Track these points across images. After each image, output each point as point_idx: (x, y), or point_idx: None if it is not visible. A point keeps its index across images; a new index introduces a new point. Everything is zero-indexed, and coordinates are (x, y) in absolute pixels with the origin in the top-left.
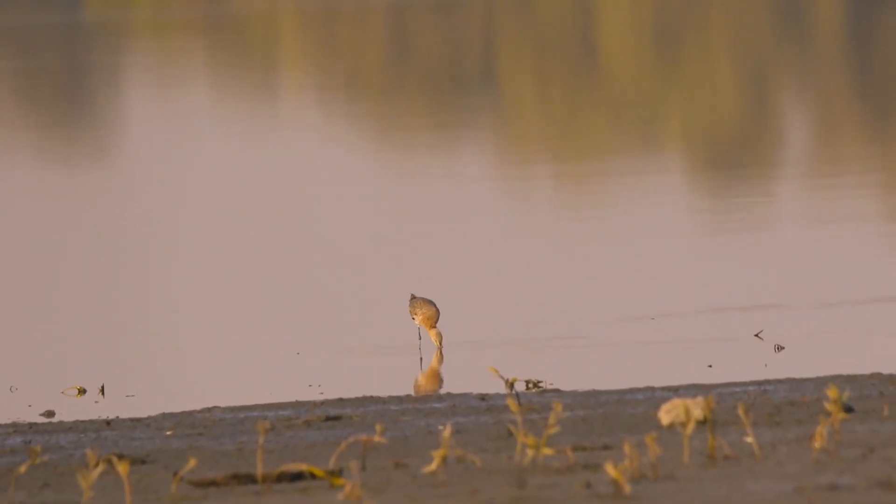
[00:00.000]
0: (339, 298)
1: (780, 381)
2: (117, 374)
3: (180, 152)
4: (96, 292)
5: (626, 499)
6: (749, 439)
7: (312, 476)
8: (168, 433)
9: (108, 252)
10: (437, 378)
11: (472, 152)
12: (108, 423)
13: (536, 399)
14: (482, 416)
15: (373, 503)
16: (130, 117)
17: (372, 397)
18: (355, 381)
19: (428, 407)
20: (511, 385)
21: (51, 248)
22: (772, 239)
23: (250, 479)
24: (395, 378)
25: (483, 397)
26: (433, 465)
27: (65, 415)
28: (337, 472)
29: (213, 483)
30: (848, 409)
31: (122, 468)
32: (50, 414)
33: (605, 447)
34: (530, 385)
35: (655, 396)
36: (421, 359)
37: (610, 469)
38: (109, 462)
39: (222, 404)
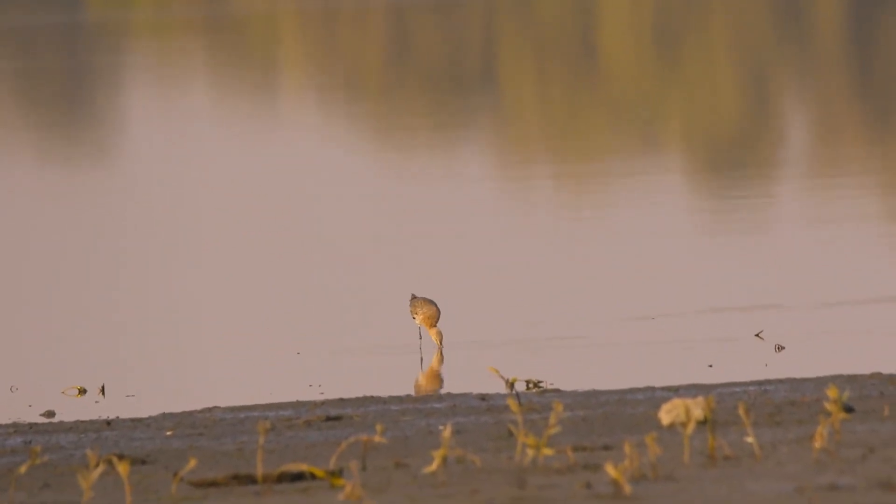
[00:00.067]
0: (339, 298)
1: (780, 381)
2: (117, 374)
3: (180, 152)
4: (96, 292)
5: (626, 499)
6: (749, 439)
7: (313, 476)
8: (168, 433)
9: (108, 252)
10: (438, 378)
11: (473, 152)
12: (108, 423)
13: (537, 399)
14: (482, 416)
15: (373, 503)
16: (130, 117)
17: (372, 397)
18: (356, 381)
19: (428, 407)
20: (511, 385)
21: (51, 248)
22: (772, 239)
23: (251, 479)
24: (396, 378)
25: (483, 397)
26: (433, 466)
27: (65, 415)
28: (337, 473)
29: (213, 483)
30: (848, 410)
31: (122, 468)
32: (50, 414)
33: (606, 447)
34: (530, 385)
35: (656, 396)
36: (421, 359)
37: (610, 469)
38: (110, 462)
39: (223, 404)
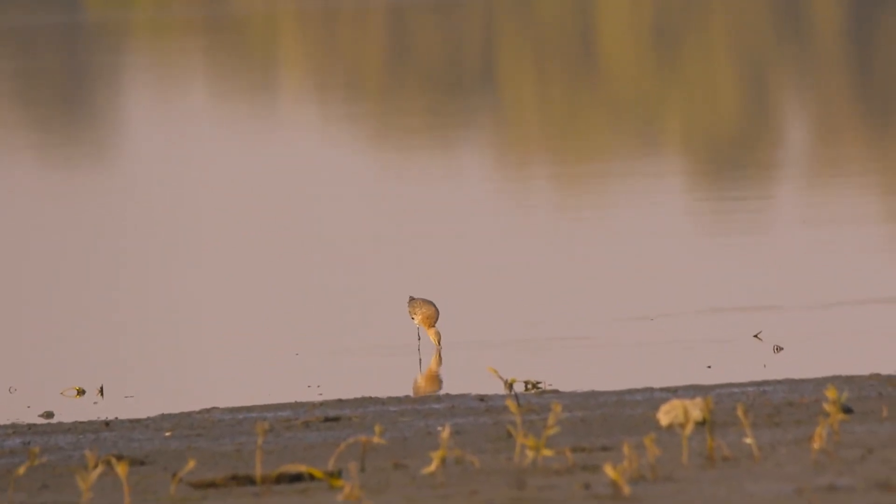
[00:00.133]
0: (338, 299)
1: (779, 382)
2: (116, 374)
3: (180, 152)
4: (96, 293)
5: (624, 500)
6: (748, 440)
7: (311, 477)
8: (167, 434)
9: (108, 252)
10: (437, 379)
11: (472, 153)
12: (107, 424)
13: (535, 400)
14: (481, 416)
15: None
16: (130, 117)
17: (371, 398)
18: (354, 381)
19: (427, 408)
20: (510, 386)
21: (51, 248)
22: (771, 240)
23: (249, 480)
24: (395, 379)
25: (482, 398)
26: (432, 466)
27: (64, 416)
28: (336, 474)
29: (212, 484)
30: (847, 410)
31: (121, 469)
32: (49, 415)
33: (604, 448)
34: (529, 386)
35: (654, 397)
36: (420, 360)
37: (609, 470)
38: (108, 463)
39: (221, 405)
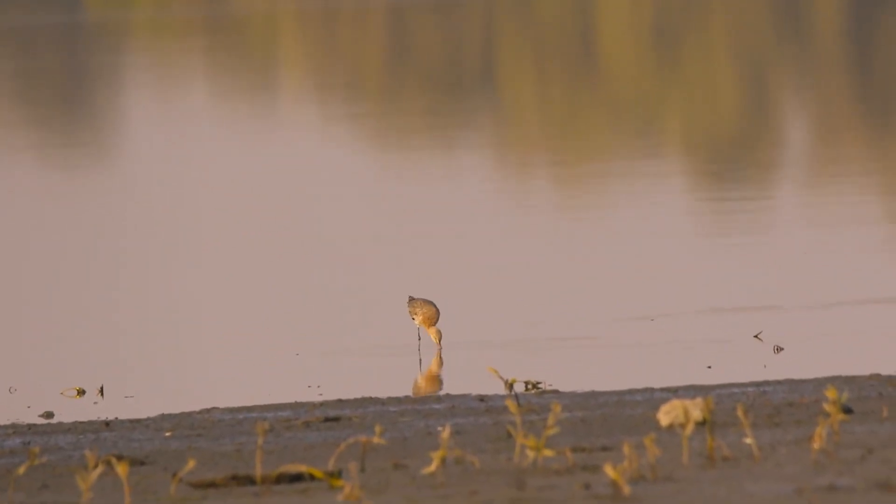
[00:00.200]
0: (338, 299)
1: (779, 383)
2: (116, 374)
3: (180, 152)
4: (96, 293)
5: (625, 500)
6: (748, 440)
7: (311, 477)
8: (167, 434)
9: (108, 252)
10: (437, 379)
11: (472, 153)
12: (107, 424)
13: (535, 400)
14: (481, 417)
15: None
16: (130, 117)
17: (371, 398)
18: (354, 382)
19: (427, 408)
20: (510, 386)
21: (50, 248)
22: (771, 240)
23: (249, 480)
24: (395, 379)
25: (482, 398)
26: (432, 467)
27: (64, 416)
28: (336, 474)
29: (212, 484)
30: (847, 411)
31: (121, 469)
32: (49, 415)
33: (604, 448)
34: (529, 386)
35: (654, 397)
36: (420, 360)
37: (609, 470)
38: (108, 463)
39: (221, 405)
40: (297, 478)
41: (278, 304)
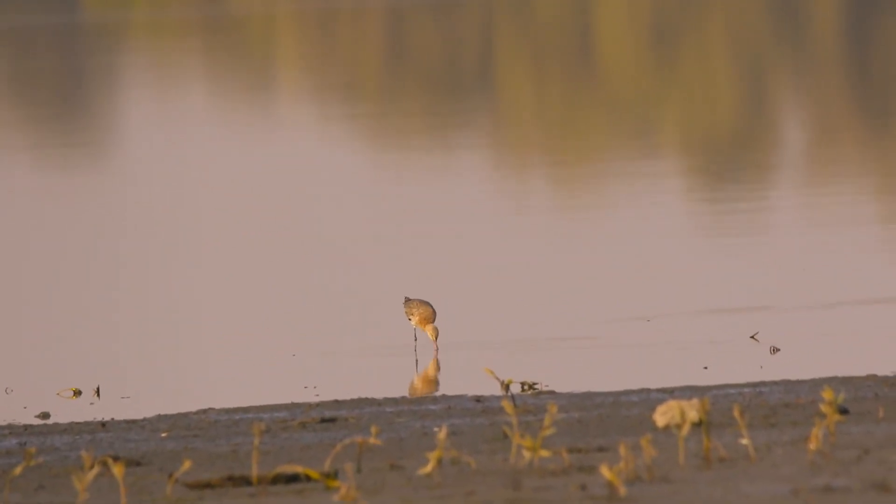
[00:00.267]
0: (335, 299)
1: (775, 383)
2: (113, 375)
3: (178, 153)
4: (92, 294)
5: (621, 501)
6: (744, 441)
7: (308, 478)
8: (163, 435)
9: (105, 253)
10: (433, 380)
11: (470, 153)
12: (103, 424)
13: (532, 401)
14: (477, 417)
15: None
16: (129, 118)
17: (367, 399)
18: (351, 382)
19: (423, 409)
20: (506, 387)
21: (47, 249)
22: (768, 241)
23: (245, 480)
24: (391, 380)
25: (478, 399)
26: (428, 467)
27: (60, 416)
28: (332, 474)
29: (208, 485)
30: (843, 411)
31: (117, 470)
32: (45, 416)
33: (601, 449)
34: (525, 387)
35: (651, 398)
36: (417, 361)
37: (605, 471)
38: (105, 464)
39: (217, 406)
40: (294, 478)
41: (275, 304)
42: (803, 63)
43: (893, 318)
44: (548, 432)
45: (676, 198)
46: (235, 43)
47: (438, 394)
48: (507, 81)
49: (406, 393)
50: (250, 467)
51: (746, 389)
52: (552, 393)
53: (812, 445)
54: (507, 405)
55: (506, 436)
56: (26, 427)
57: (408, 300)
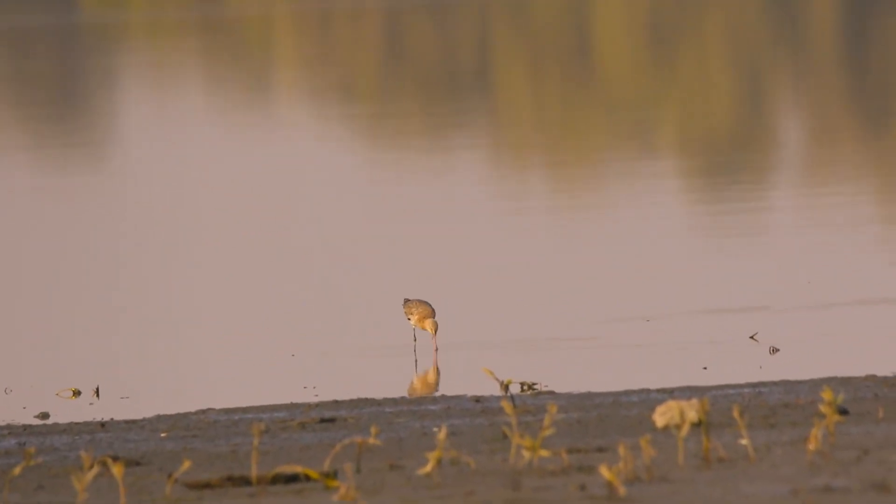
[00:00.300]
0: (334, 300)
1: (774, 384)
2: (112, 375)
3: (176, 153)
4: (92, 294)
5: (620, 501)
6: (744, 441)
7: (307, 478)
8: (163, 435)
9: (104, 253)
10: (432, 380)
11: (469, 154)
12: (102, 424)
13: (531, 401)
14: (477, 418)
15: None
16: (127, 118)
17: (367, 399)
18: (350, 382)
19: (423, 409)
20: (506, 387)
21: (46, 249)
22: (767, 241)
23: (245, 480)
24: (390, 380)
25: (478, 399)
26: (428, 467)
27: (59, 416)
28: (332, 474)
29: (207, 485)
30: (842, 412)
31: (116, 470)
32: (44, 416)
33: (600, 449)
34: (525, 387)
35: (650, 398)
36: (416, 361)
37: (604, 471)
38: (104, 464)
39: (217, 406)
40: (293, 479)
41: (274, 304)
42: (802, 63)
43: (893, 319)
44: (547, 432)
45: (675, 198)
46: (233, 43)
47: (438, 394)
48: (506, 82)
49: (405, 393)
50: (250, 467)
51: (746, 390)
52: (551, 393)
53: (811, 446)
54: (506, 405)
55: (505, 436)
56: (25, 427)
57: (407, 301)
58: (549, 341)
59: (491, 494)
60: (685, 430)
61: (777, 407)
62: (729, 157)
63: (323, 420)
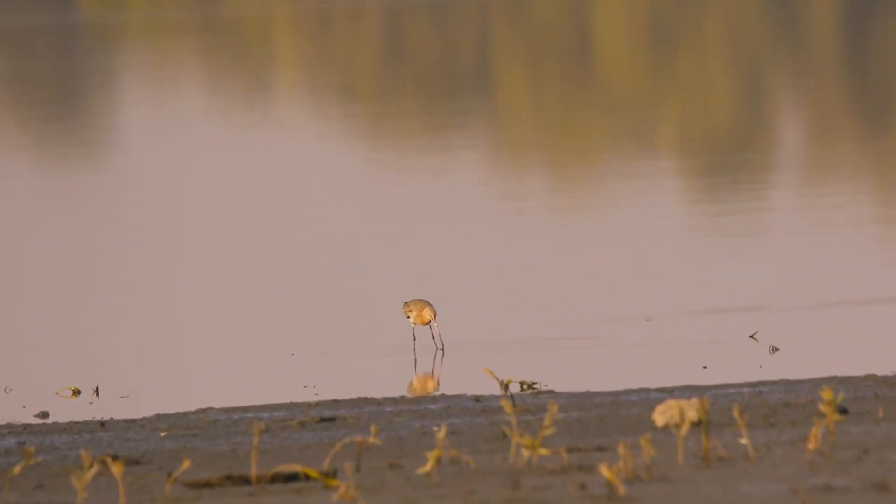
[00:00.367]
0: (333, 299)
1: (774, 383)
2: (112, 375)
3: (177, 153)
4: (91, 293)
5: (620, 500)
6: (743, 441)
7: (307, 477)
8: (162, 434)
9: (104, 253)
10: (432, 379)
11: (468, 154)
12: (102, 424)
13: (531, 400)
14: (477, 417)
15: None
16: (127, 118)
17: (366, 398)
18: (350, 382)
19: (422, 408)
20: (505, 386)
21: (46, 249)
22: (767, 241)
23: (244, 480)
24: (390, 379)
25: (478, 398)
26: (427, 467)
27: (59, 416)
28: (331, 474)
29: (207, 484)
30: (842, 411)
31: (116, 469)
32: (44, 415)
33: (600, 448)
34: (525, 386)
35: (650, 398)
36: (416, 360)
37: (604, 470)
38: (104, 463)
39: (217, 405)
40: (293, 478)
41: (274, 304)
42: (802, 63)
43: (893, 318)
44: (547, 432)
45: (675, 198)
46: (233, 43)
47: (437, 393)
48: (506, 82)
49: (405, 392)
50: (249, 466)
51: (746, 389)
52: (551, 392)
53: (811, 445)
54: (506, 405)
55: (505, 435)
56: (25, 426)
57: (405, 303)
58: (548, 341)
59: (490, 494)
60: (685, 429)
61: (777, 406)
62: (729, 157)
63: (323, 419)
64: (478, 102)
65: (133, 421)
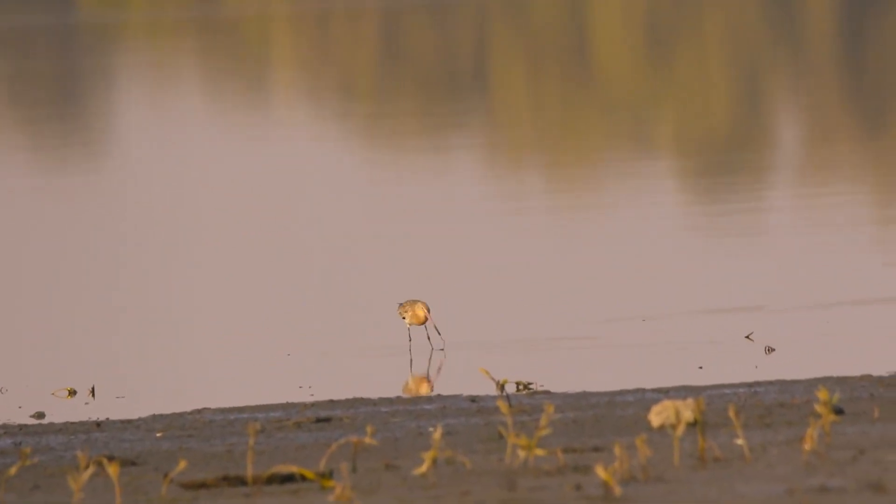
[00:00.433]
0: (331, 300)
1: (770, 383)
2: (108, 375)
3: (176, 153)
4: (89, 294)
5: (615, 500)
6: (739, 441)
7: (303, 478)
8: (158, 435)
9: (102, 253)
10: (428, 380)
11: (467, 154)
12: (98, 424)
13: (527, 401)
14: (473, 417)
15: None
16: (126, 118)
17: (362, 399)
18: (346, 382)
19: (418, 409)
20: (501, 387)
21: (43, 249)
22: (764, 241)
23: (240, 480)
24: (386, 380)
25: (473, 399)
26: (423, 467)
27: (55, 416)
28: (327, 474)
29: (203, 485)
30: (838, 411)
31: (112, 470)
32: (40, 415)
33: (596, 449)
34: (521, 387)
35: (646, 398)
36: (411, 361)
37: (600, 471)
38: (100, 464)
39: (213, 406)
40: (289, 478)
41: (270, 304)
42: (801, 63)
43: (889, 319)
44: (543, 432)
45: (673, 198)
46: (232, 44)
47: (433, 394)
48: (504, 82)
49: (401, 393)
50: (245, 467)
51: (741, 389)
52: (547, 393)
53: (807, 446)
54: (502, 405)
55: (501, 436)
56: (21, 427)
57: (400, 304)
58: (545, 341)
59: (486, 494)
60: (681, 429)
61: (773, 407)
62: (727, 158)
63: (319, 420)
64: (477, 102)
65: (129, 421)
